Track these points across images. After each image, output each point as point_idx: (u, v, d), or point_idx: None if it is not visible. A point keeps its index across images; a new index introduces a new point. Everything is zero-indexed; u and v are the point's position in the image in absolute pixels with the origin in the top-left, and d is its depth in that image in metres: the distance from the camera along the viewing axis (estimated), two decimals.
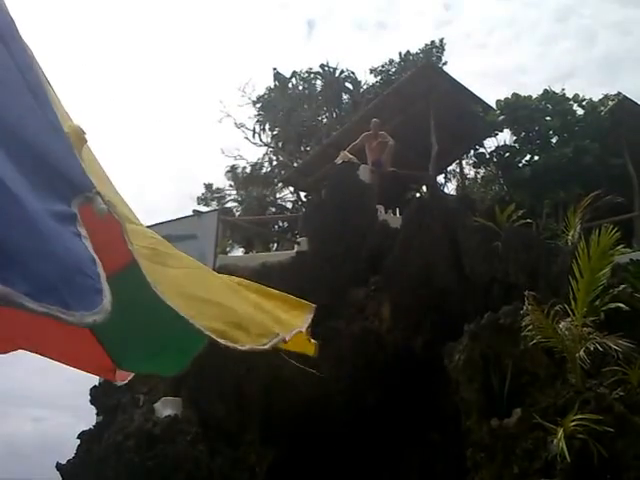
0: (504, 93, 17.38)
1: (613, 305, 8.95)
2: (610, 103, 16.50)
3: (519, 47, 42.07)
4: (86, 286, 1.61)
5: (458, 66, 29.31)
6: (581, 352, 7.85)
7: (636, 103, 16.13)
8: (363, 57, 46.03)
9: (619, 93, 16.64)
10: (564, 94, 17.18)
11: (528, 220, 12.25)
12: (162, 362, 3.33)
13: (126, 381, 3.47)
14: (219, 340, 2.32)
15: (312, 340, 3.28)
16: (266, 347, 2.57)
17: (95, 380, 10.69)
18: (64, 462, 10.13)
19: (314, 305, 3.28)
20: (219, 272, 11.56)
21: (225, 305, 2.61)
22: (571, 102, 17.02)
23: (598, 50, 40.57)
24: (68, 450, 10.29)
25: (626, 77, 40.22)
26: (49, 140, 1.93)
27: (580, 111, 16.84)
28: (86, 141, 2.25)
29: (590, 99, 16.97)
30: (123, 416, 9.79)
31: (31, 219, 1.59)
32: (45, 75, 2.26)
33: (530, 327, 8.42)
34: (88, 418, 10.78)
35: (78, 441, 10.22)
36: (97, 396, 10.42)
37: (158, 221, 12.49)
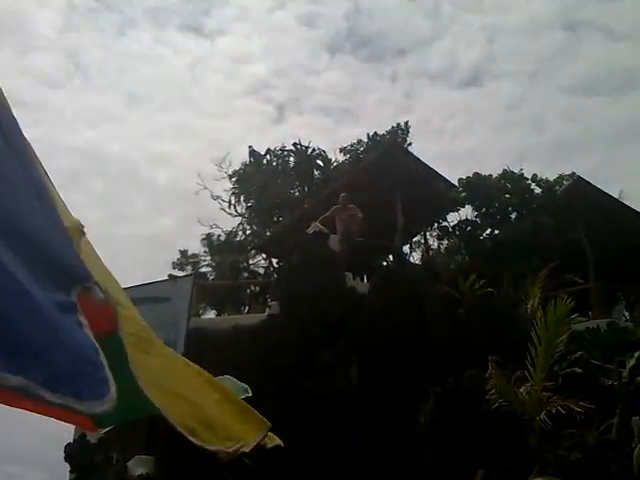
0: (461, 174, 17.82)
1: (569, 370, 8.97)
2: (565, 182, 16.93)
3: (474, 132, 43.39)
4: (94, 375, 1.64)
5: (418, 148, 30.42)
6: (542, 415, 7.80)
7: (589, 182, 16.55)
8: (330, 138, 47.10)
9: (573, 173, 17.10)
10: (522, 174, 17.62)
11: (489, 289, 12.32)
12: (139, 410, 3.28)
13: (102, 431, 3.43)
14: (189, 437, 2.33)
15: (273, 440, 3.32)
16: (230, 450, 2.55)
17: (69, 437, 10.39)
18: None
19: (269, 424, 3.10)
20: (192, 334, 11.35)
21: (196, 402, 2.63)
22: (529, 181, 17.43)
23: (548, 136, 42.03)
24: None
25: (575, 160, 41.50)
26: (49, 234, 1.96)
27: (537, 189, 17.22)
28: (84, 234, 2.30)
29: (546, 178, 17.39)
30: (96, 474, 9.47)
31: (40, 311, 1.61)
32: (45, 170, 2.28)
33: (492, 391, 8.37)
34: (62, 475, 10.41)
35: None
36: (71, 453, 10.09)
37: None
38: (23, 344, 1.50)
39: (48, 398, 1.47)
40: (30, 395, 1.45)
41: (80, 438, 9.94)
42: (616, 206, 16.96)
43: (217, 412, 2.74)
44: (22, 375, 1.44)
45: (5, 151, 1.95)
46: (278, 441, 3.30)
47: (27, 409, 2.86)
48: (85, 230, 2.30)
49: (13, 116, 2.08)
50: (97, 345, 1.71)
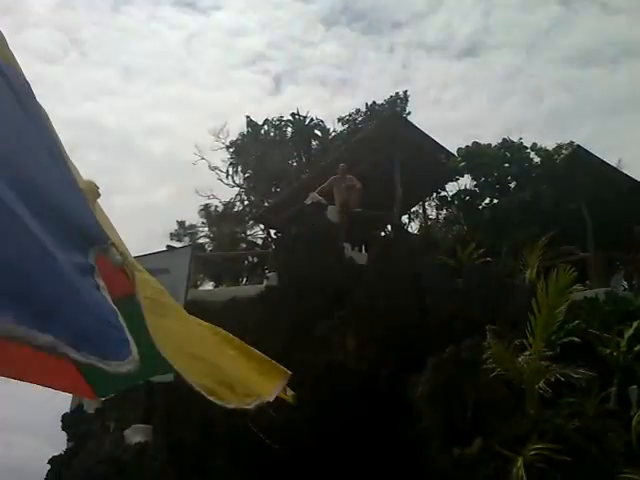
0: (460, 143, 17.72)
1: (567, 339, 8.94)
2: (564, 152, 16.77)
3: (472, 102, 43.23)
4: (116, 336, 1.68)
5: (417, 118, 30.11)
6: (541, 383, 7.78)
7: (588, 151, 16.41)
8: (328, 109, 46.92)
9: (572, 142, 16.92)
10: (522, 143, 17.44)
11: (488, 259, 12.27)
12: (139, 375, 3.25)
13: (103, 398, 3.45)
14: (209, 397, 2.35)
15: (289, 392, 3.26)
16: (250, 407, 2.60)
17: (66, 407, 10.39)
18: None
19: (289, 372, 3.23)
20: (190, 305, 11.29)
21: (214, 362, 2.67)
22: (528, 150, 17.26)
23: (546, 106, 41.89)
24: (38, 475, 9.99)
25: (573, 130, 41.40)
26: (65, 195, 1.98)
27: (536, 159, 17.06)
28: (99, 195, 2.36)
29: (546, 148, 17.22)
30: (93, 442, 9.49)
31: (63, 272, 1.64)
32: (57, 134, 2.30)
33: (490, 360, 8.33)
34: (59, 444, 10.44)
35: (48, 466, 9.90)
36: (68, 422, 10.11)
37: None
38: (49, 304, 1.53)
39: (73, 356, 1.50)
40: (57, 353, 1.49)
41: (77, 408, 9.95)
42: (615, 175, 16.84)
43: (235, 370, 2.78)
44: (50, 333, 1.47)
45: (21, 116, 1.98)
46: (292, 394, 3.30)
47: (33, 382, 2.82)
48: (99, 191, 2.36)
49: (28, 83, 2.12)
50: (115, 307, 1.74)
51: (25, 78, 2.10)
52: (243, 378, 2.75)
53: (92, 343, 1.57)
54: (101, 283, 1.77)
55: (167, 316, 2.55)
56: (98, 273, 1.80)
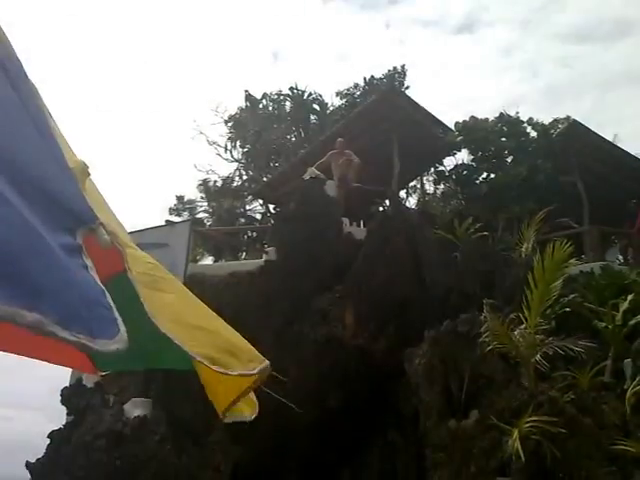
0: (457, 118, 17.70)
1: (561, 311, 8.98)
2: (560, 126, 16.74)
3: (469, 77, 43.09)
4: (104, 316, 1.67)
5: (414, 92, 29.89)
6: (537, 357, 7.83)
7: (584, 126, 16.37)
8: (326, 83, 46.70)
9: (568, 117, 16.89)
10: (518, 117, 17.42)
11: (485, 233, 12.28)
12: (141, 361, 3.28)
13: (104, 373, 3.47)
14: (211, 366, 2.33)
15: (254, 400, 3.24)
16: (254, 372, 2.54)
17: (65, 381, 10.41)
18: (33, 461, 9.83)
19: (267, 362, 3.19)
20: (189, 280, 11.30)
21: (214, 331, 2.61)
22: (525, 125, 17.23)
23: (542, 81, 41.82)
24: (38, 449, 10.02)
25: (569, 105, 41.38)
26: (53, 173, 1.96)
27: (533, 133, 17.04)
28: (89, 174, 2.31)
29: (542, 122, 17.18)
30: (93, 416, 9.51)
31: (51, 251, 1.63)
32: (48, 109, 2.28)
33: (487, 334, 8.37)
34: (58, 418, 10.47)
35: (48, 440, 9.93)
36: (68, 396, 10.11)
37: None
38: (36, 283, 1.52)
39: (61, 335, 1.48)
40: (44, 332, 1.47)
41: (77, 382, 9.97)
42: (611, 149, 16.83)
43: (236, 337, 2.73)
44: (37, 312, 1.46)
45: (7, 93, 1.97)
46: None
47: (32, 357, 2.83)
48: (89, 170, 2.31)
49: (18, 60, 2.09)
50: (103, 287, 1.72)
51: (15, 54, 2.08)
52: (245, 344, 2.70)
53: (80, 322, 1.56)
54: (89, 263, 1.75)
55: (162, 289, 2.53)
56: (86, 253, 1.78)
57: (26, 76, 2.12)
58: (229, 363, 2.43)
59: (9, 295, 1.44)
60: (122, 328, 1.66)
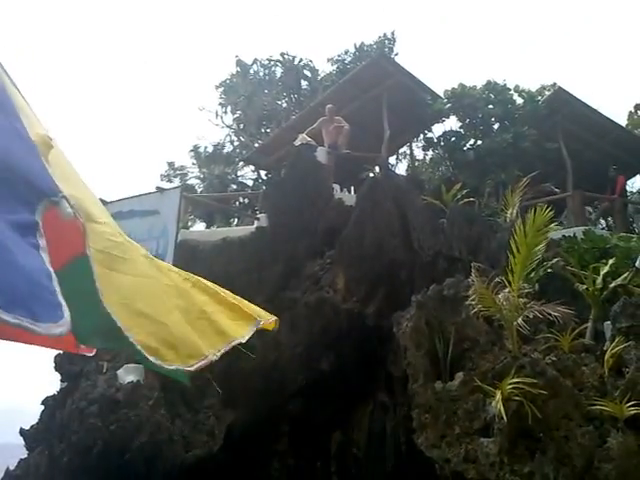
0: (446, 86, 17.53)
1: (544, 274, 9.03)
2: (546, 93, 16.68)
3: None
4: (48, 300, 1.61)
5: (403, 60, 29.43)
6: (519, 320, 7.88)
7: (570, 93, 16.30)
8: (316, 49, 46.06)
9: (554, 84, 16.82)
10: (505, 84, 17.28)
11: (471, 199, 12.29)
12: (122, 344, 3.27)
13: (92, 353, 3.40)
14: (149, 357, 2.34)
15: (271, 317, 3.25)
16: (191, 369, 2.56)
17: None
18: (27, 427, 9.89)
19: (258, 319, 3.18)
20: (181, 246, 11.15)
21: (163, 322, 2.58)
22: (511, 92, 17.12)
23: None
24: (32, 415, 10.06)
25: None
26: (13, 146, 1.88)
27: (519, 100, 16.97)
28: (52, 147, 2.19)
29: (529, 89, 17.10)
30: (87, 382, 9.53)
31: None
32: (13, 80, 2.19)
33: (473, 297, 8.41)
34: (52, 385, 10.50)
35: (42, 407, 9.96)
36: (61, 363, 10.13)
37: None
38: None
39: (4, 318, 1.45)
40: None
41: None
42: (595, 116, 16.79)
43: (186, 328, 2.70)
44: None
45: None
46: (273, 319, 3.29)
47: (16, 340, 2.80)
48: (53, 143, 2.21)
49: None
50: (50, 269, 1.67)
51: None
52: (191, 337, 2.68)
53: (22, 304, 1.51)
54: (42, 243, 1.69)
55: (120, 270, 2.49)
56: (42, 231, 1.71)
57: None
58: (166, 355, 2.43)
59: None
60: (66, 313, 1.61)
